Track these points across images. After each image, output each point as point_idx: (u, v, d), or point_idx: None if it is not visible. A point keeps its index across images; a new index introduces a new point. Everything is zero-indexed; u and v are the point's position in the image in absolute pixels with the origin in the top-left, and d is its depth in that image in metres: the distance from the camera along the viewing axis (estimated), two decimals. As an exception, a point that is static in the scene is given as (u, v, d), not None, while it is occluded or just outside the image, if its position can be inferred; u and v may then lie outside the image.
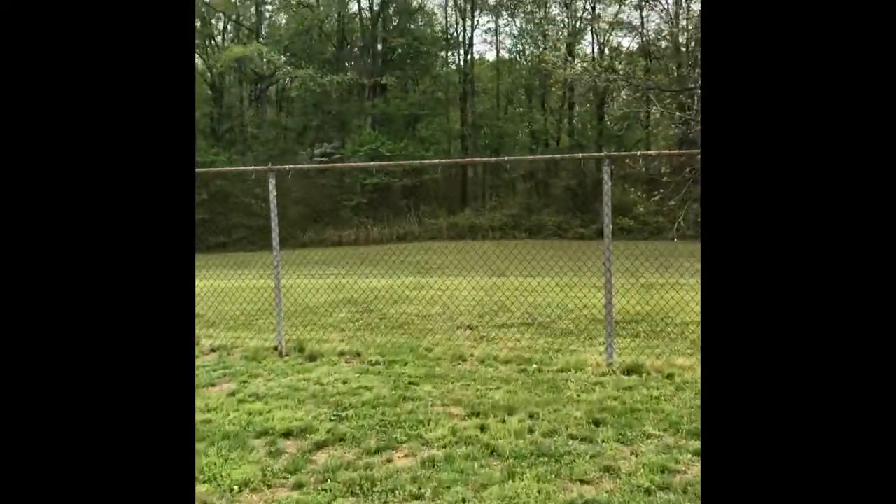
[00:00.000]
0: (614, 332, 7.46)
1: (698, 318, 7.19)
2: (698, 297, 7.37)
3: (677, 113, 15.86)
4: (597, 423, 4.46)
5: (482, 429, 4.39)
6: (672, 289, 9.06)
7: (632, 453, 3.98)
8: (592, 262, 9.73)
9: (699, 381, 5.52)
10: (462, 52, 34.83)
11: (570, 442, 4.16)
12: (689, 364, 5.93)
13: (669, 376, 5.60)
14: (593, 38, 32.98)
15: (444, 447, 4.11)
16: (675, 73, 20.34)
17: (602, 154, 5.94)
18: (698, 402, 4.88)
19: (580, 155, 7.21)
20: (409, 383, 5.54)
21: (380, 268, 15.71)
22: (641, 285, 10.64)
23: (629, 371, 5.77)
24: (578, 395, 5.10)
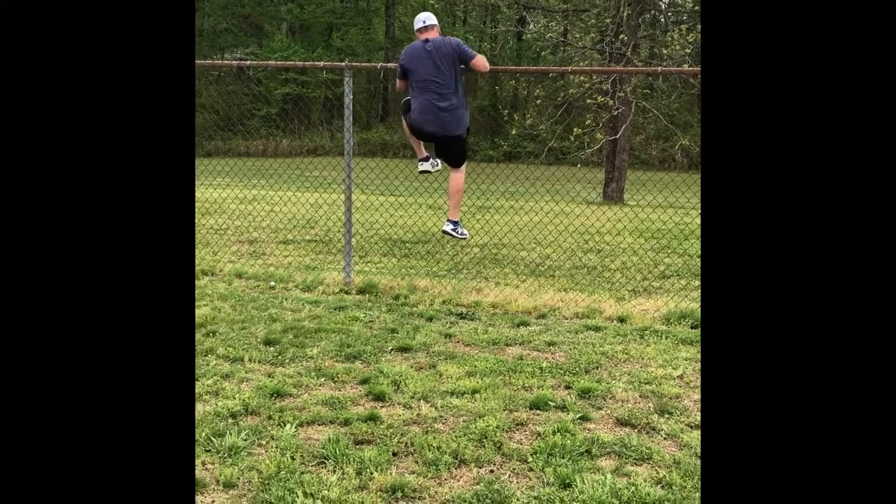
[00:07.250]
0: (381, 253, 7.31)
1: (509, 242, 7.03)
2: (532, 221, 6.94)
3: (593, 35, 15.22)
4: (269, 343, 4.30)
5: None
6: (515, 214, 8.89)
7: (268, 375, 3.81)
8: (481, 184, 9.17)
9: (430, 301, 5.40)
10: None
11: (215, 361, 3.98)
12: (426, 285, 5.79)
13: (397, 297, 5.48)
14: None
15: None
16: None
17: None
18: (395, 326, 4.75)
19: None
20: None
21: (256, 179, 15.24)
22: (479, 207, 10.51)
23: (363, 291, 5.62)
24: (281, 314, 4.93)
